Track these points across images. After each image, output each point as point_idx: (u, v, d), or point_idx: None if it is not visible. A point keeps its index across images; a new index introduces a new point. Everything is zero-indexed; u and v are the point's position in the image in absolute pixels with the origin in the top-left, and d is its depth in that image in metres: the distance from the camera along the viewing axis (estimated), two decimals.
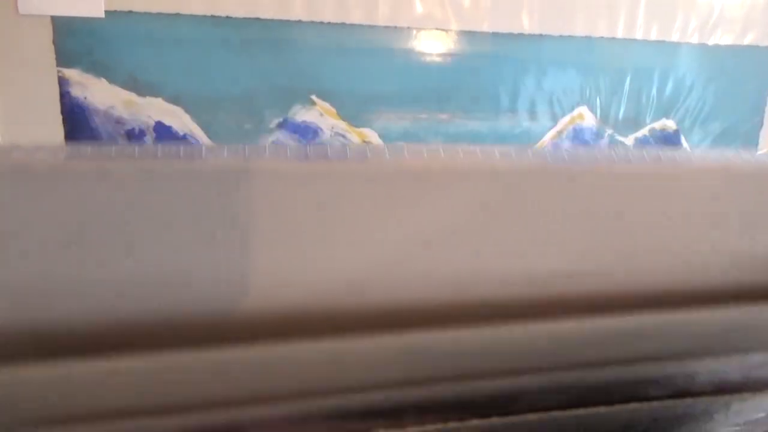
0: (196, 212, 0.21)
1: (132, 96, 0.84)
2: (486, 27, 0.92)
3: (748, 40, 1.03)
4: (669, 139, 1.05)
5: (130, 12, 0.81)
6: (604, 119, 1.01)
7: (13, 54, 0.80)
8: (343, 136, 0.92)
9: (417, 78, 0.92)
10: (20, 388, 0.21)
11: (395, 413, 0.24)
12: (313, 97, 0.90)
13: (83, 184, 0.20)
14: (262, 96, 0.88)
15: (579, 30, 0.95)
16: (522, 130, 0.98)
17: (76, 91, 0.83)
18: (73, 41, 0.81)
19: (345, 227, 0.22)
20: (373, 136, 0.93)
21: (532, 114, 0.98)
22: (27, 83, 0.82)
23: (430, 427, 0.25)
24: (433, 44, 0.91)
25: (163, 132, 0.86)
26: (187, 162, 0.22)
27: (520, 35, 0.93)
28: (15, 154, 0.22)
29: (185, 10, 0.82)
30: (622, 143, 1.03)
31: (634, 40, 0.98)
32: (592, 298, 0.25)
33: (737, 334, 0.27)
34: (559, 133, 1.00)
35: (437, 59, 0.92)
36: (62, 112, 0.83)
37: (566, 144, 1.00)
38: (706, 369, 0.27)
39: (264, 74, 0.88)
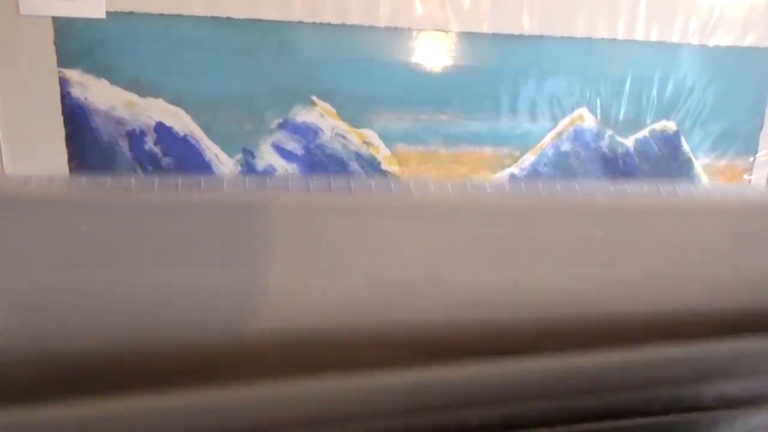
0: (196, 241, 0.21)
1: (133, 97, 0.85)
2: (486, 28, 0.92)
3: (748, 42, 1.03)
4: (669, 141, 1.05)
5: (131, 13, 0.81)
6: (604, 120, 1.01)
7: (14, 54, 0.80)
8: (344, 137, 0.92)
9: (417, 79, 0.92)
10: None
11: None
12: (314, 98, 0.90)
13: (85, 214, 0.20)
14: (263, 97, 0.89)
15: (579, 31, 0.95)
16: (522, 131, 0.98)
17: (76, 92, 0.83)
18: (74, 42, 0.81)
19: (340, 258, 0.22)
20: (373, 137, 0.93)
21: (533, 115, 0.98)
22: (28, 84, 0.82)
23: None
24: (433, 45, 0.92)
25: (163, 133, 0.87)
26: (186, 195, 0.22)
27: (521, 36, 0.94)
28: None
29: (186, 11, 0.83)
30: (622, 144, 1.03)
31: (635, 41, 0.98)
32: (590, 326, 0.25)
33: (743, 361, 0.27)
34: (560, 134, 1.00)
35: (437, 60, 0.92)
36: (63, 113, 0.83)
37: (566, 145, 1.00)
38: (711, 390, 0.27)
39: (265, 75, 0.88)
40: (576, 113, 1.00)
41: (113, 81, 0.83)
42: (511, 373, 0.25)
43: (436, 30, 0.91)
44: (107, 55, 0.82)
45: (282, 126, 0.90)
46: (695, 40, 1.01)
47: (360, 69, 0.90)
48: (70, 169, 0.85)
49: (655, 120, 1.03)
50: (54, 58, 0.81)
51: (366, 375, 0.24)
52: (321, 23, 0.87)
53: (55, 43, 0.81)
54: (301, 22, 0.86)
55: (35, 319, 0.22)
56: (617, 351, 0.26)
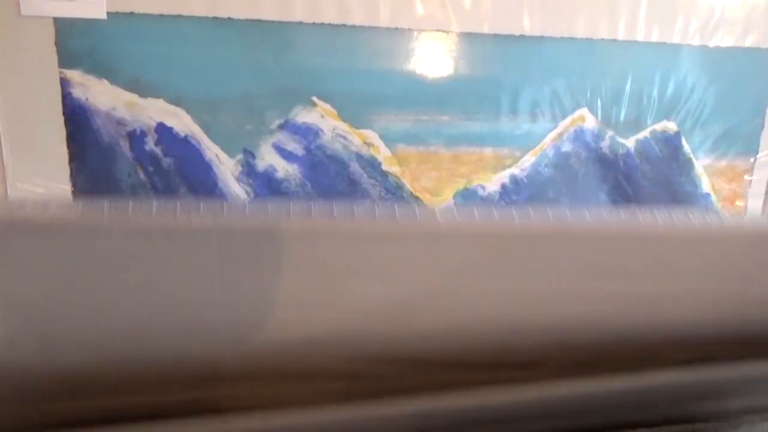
0: (195, 266, 0.21)
1: (133, 97, 0.85)
2: (487, 29, 0.92)
3: (749, 42, 1.03)
4: (670, 141, 1.05)
5: (132, 13, 0.81)
6: (605, 121, 1.01)
7: (16, 55, 0.81)
8: (344, 138, 0.92)
9: (418, 79, 0.92)
10: None
11: None
12: (314, 99, 0.90)
13: (81, 239, 0.21)
14: (263, 97, 0.89)
15: (580, 32, 0.95)
16: (523, 131, 0.98)
17: (77, 93, 0.83)
18: (75, 43, 0.81)
19: (341, 283, 0.22)
20: (374, 138, 0.93)
21: (533, 116, 0.98)
22: (29, 84, 0.82)
23: None
24: (434, 46, 0.92)
25: (164, 133, 0.87)
26: (185, 220, 0.22)
27: (522, 37, 0.94)
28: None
29: (187, 12, 0.83)
30: (623, 145, 1.03)
31: (635, 42, 0.98)
32: (596, 353, 0.25)
33: (751, 383, 0.27)
34: (560, 135, 1.00)
35: (438, 61, 0.92)
36: (64, 113, 0.84)
37: (567, 146, 1.00)
38: (716, 405, 0.27)
39: (265, 76, 0.88)
40: (577, 114, 1.00)
41: (114, 81, 0.83)
42: (517, 399, 0.25)
43: (437, 31, 0.91)
44: (108, 55, 0.82)
45: (282, 126, 0.90)
46: (696, 41, 1.01)
47: (360, 70, 0.90)
48: (71, 170, 0.85)
49: (656, 121, 1.03)
50: (55, 58, 0.81)
51: (371, 403, 0.24)
52: (321, 24, 0.87)
53: (56, 44, 0.81)
54: (301, 23, 0.86)
55: (32, 343, 0.22)
56: (623, 375, 0.26)
